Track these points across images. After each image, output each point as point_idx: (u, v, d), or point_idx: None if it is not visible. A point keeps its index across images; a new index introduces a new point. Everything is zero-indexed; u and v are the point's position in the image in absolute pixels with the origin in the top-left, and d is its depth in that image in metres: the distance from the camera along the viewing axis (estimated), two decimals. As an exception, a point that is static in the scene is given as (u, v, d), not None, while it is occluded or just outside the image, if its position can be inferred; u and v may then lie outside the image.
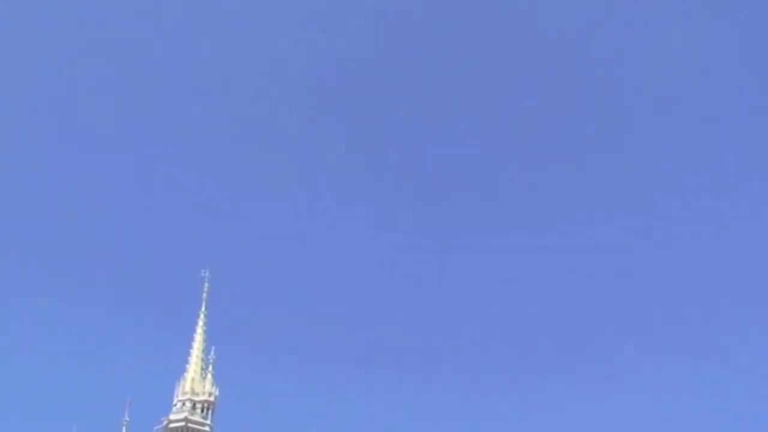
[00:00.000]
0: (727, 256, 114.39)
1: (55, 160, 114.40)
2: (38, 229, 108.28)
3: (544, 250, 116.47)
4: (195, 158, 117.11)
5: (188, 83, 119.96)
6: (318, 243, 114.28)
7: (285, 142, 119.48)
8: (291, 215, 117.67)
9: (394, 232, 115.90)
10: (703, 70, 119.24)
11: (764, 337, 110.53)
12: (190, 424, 66.75)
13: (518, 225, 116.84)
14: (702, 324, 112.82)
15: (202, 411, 67.81)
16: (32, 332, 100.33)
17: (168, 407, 67.91)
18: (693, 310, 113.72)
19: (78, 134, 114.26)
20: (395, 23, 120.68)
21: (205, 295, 71.46)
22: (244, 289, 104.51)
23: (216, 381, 68.97)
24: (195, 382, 68.30)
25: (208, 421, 67.78)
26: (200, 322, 70.46)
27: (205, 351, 69.78)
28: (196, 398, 67.82)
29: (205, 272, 71.90)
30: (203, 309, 71.02)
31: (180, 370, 69.06)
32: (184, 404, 67.50)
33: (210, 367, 69.27)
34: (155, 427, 67.53)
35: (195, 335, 70.11)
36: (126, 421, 66.62)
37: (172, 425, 66.77)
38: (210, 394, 68.34)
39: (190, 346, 69.83)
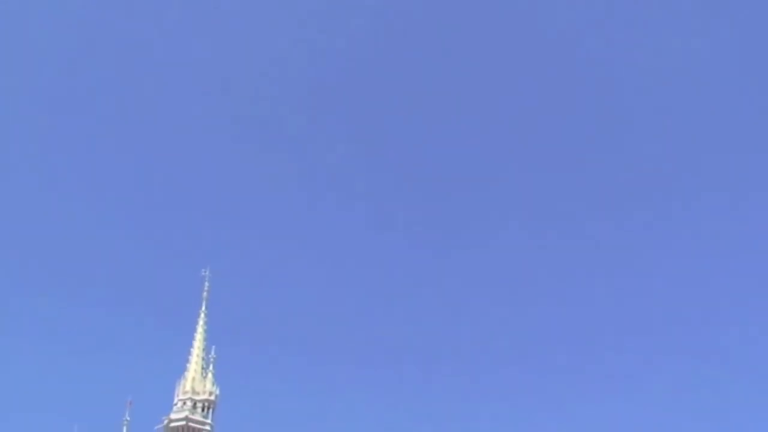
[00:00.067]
0: (727, 256, 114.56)
1: (55, 160, 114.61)
2: (38, 229, 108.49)
3: (544, 249, 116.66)
4: (195, 158, 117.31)
5: (188, 83, 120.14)
6: (318, 243, 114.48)
7: (285, 142, 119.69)
8: (291, 215, 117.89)
9: (394, 232, 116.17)
10: (703, 70, 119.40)
11: (764, 337, 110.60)
12: (190, 424, 66.71)
13: (518, 225, 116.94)
14: (702, 324, 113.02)
15: (203, 410, 67.78)
16: (32, 332, 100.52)
17: (168, 406, 67.91)
18: (693, 310, 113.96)
19: (78, 134, 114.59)
20: (395, 23, 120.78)
21: (205, 294, 71.53)
22: (244, 288, 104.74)
23: (216, 380, 68.95)
24: (195, 381, 68.26)
25: (209, 421, 67.75)
26: (200, 322, 70.45)
27: (206, 350, 69.77)
28: (197, 397, 67.78)
29: (205, 272, 72.02)
30: (203, 308, 71.06)
31: (180, 369, 69.11)
32: (184, 403, 67.44)
33: (210, 367, 69.24)
34: (156, 427, 67.55)
35: (195, 334, 70.09)
36: (127, 420, 66.66)
37: (172, 424, 66.70)
38: (210, 394, 68.31)
39: (190, 346, 69.83)
